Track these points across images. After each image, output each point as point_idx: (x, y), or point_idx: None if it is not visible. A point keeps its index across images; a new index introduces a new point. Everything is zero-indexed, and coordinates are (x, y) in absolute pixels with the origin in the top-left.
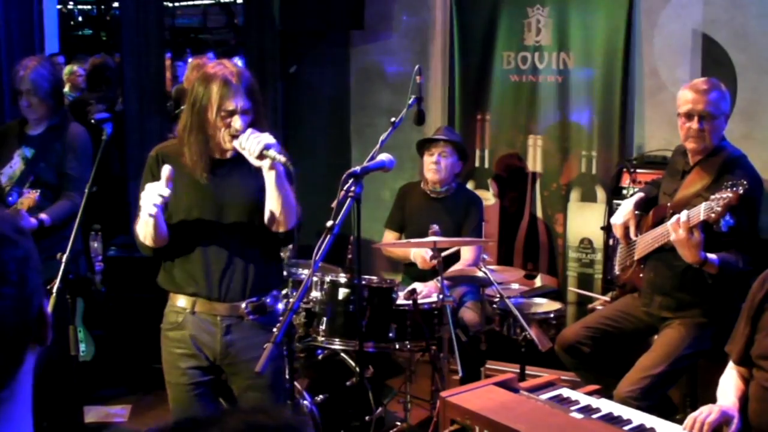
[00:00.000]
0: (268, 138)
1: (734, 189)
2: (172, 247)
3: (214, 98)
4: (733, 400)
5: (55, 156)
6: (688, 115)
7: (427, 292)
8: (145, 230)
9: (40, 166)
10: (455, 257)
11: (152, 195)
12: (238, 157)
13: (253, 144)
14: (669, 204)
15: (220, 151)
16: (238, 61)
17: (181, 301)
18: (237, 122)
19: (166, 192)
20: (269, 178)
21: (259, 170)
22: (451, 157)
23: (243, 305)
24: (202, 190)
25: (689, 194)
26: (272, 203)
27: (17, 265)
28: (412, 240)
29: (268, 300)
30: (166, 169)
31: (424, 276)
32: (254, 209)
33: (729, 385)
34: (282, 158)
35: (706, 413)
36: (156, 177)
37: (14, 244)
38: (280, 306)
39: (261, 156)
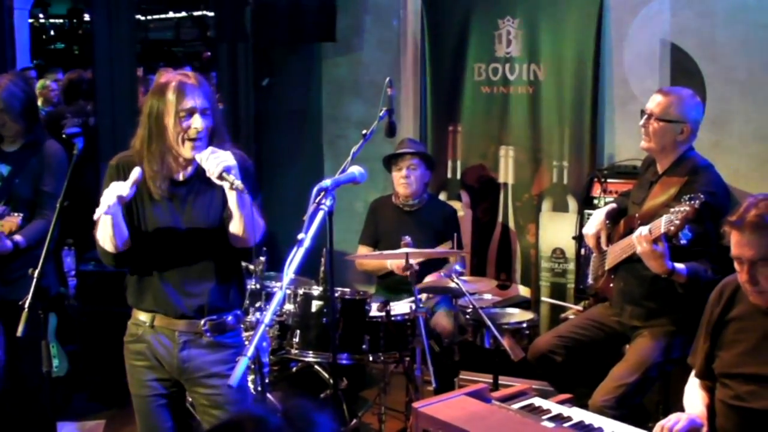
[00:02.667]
0: (228, 159)
1: (691, 202)
2: (132, 263)
3: (170, 101)
4: (701, 408)
5: (31, 172)
6: (642, 113)
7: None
8: (103, 233)
9: (15, 183)
10: (437, 265)
11: (111, 194)
12: (196, 176)
13: (213, 165)
14: (637, 214)
15: (177, 169)
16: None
17: (142, 315)
18: (197, 122)
19: (126, 191)
20: (231, 197)
21: (217, 187)
22: (420, 168)
23: (201, 322)
24: (161, 207)
25: (656, 204)
26: (234, 221)
27: None
28: (385, 252)
29: (228, 318)
30: (135, 171)
31: (398, 287)
32: (214, 227)
33: (695, 395)
34: (240, 185)
35: (674, 421)
36: None
37: None
38: (249, 320)
39: (221, 177)
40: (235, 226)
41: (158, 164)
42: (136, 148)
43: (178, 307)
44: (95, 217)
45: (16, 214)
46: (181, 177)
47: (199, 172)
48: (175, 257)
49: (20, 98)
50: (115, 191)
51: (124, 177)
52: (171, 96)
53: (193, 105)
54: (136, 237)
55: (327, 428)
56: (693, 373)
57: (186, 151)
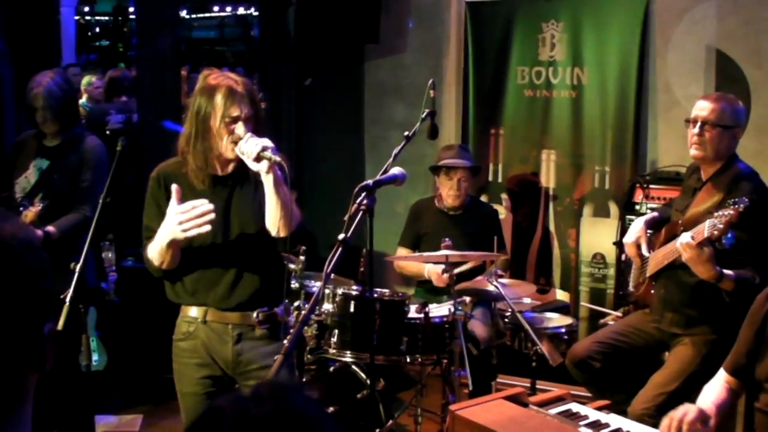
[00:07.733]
0: (266, 141)
1: (735, 206)
2: (180, 260)
3: (218, 106)
4: (709, 404)
5: (69, 168)
6: (693, 121)
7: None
8: (159, 255)
9: (54, 178)
10: (477, 272)
11: (168, 236)
12: (239, 172)
13: (252, 146)
14: (680, 221)
15: (221, 165)
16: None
17: (193, 311)
18: (240, 128)
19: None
20: (267, 181)
21: (258, 181)
22: (470, 179)
23: (254, 314)
24: (204, 200)
25: (700, 211)
26: (271, 207)
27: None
28: (424, 254)
29: (278, 310)
30: (173, 189)
31: (438, 290)
32: (259, 221)
33: (710, 392)
34: (277, 158)
35: (683, 412)
36: (158, 200)
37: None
38: (292, 317)
39: (258, 158)
40: (271, 213)
41: (201, 161)
42: (182, 145)
43: (229, 299)
44: (163, 244)
45: (37, 202)
46: (226, 170)
47: (240, 167)
48: (223, 250)
49: (59, 97)
50: (171, 234)
51: (165, 189)
52: (219, 100)
53: (238, 114)
54: None
55: (303, 403)
56: (720, 370)
57: (228, 152)
